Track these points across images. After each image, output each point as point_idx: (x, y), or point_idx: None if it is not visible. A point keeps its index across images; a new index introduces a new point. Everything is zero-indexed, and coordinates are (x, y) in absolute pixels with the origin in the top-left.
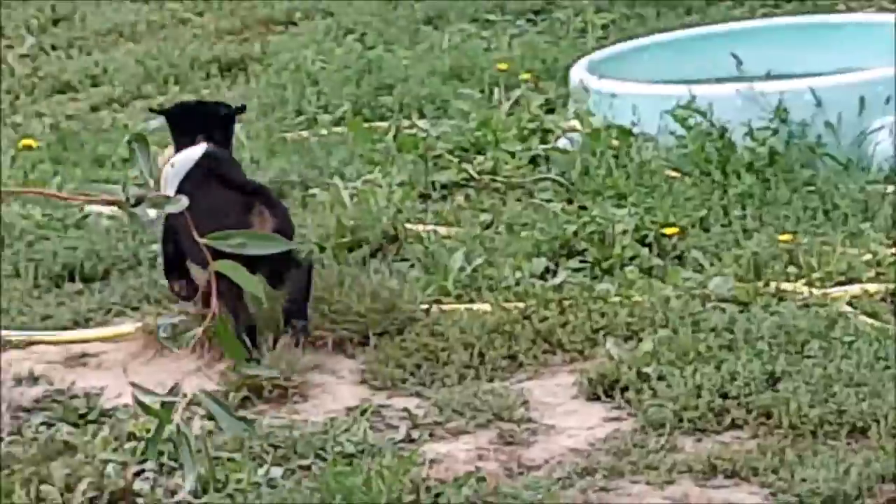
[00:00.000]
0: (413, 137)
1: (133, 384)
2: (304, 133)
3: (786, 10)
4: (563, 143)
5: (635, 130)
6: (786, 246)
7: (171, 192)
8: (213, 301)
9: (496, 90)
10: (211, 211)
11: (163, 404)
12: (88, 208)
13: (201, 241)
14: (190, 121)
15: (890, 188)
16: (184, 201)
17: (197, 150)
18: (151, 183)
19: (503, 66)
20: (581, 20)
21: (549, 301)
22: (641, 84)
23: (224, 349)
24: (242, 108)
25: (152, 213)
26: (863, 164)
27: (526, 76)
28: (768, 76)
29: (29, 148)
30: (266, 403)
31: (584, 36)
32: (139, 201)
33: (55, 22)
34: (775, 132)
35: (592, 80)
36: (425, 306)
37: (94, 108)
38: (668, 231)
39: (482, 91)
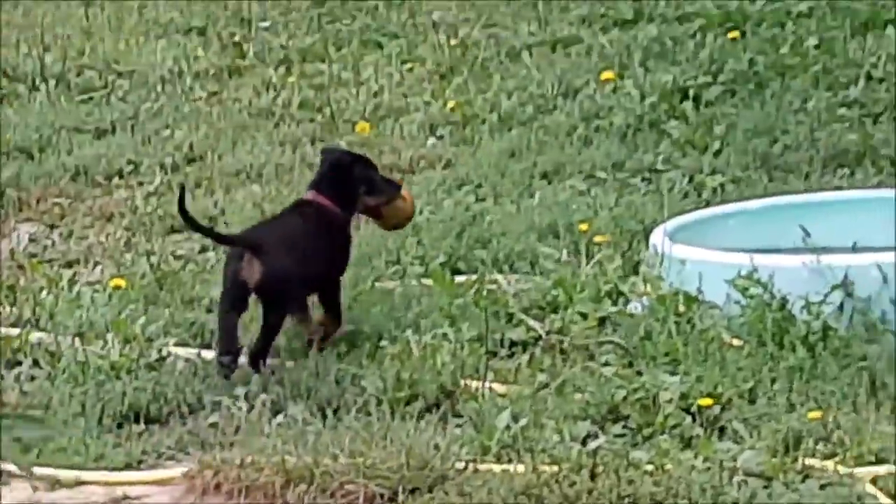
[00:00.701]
0: (492, 294)
1: None
2: (391, 284)
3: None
4: (633, 307)
5: (703, 298)
6: (817, 422)
7: None
8: None
9: (581, 249)
10: None
11: None
12: (167, 349)
13: None
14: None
15: None
16: None
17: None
18: None
19: (584, 226)
20: (692, 182)
21: (581, 466)
22: (709, 251)
23: None
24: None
25: None
26: None
27: (602, 238)
28: (854, 248)
29: (118, 288)
30: None
31: (690, 197)
32: None
33: (189, 161)
34: (840, 306)
35: (666, 245)
36: (461, 465)
37: (203, 250)
38: (707, 402)
39: (571, 249)
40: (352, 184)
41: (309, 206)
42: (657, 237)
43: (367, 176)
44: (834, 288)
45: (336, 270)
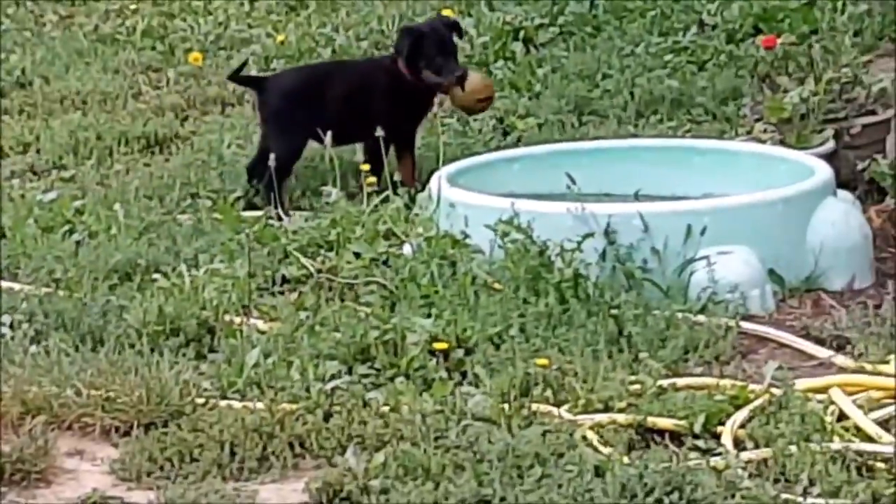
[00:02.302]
0: (273, 230)
1: None
2: (182, 216)
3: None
4: (406, 249)
5: (471, 242)
6: (552, 369)
7: None
8: None
9: (364, 189)
10: None
11: None
12: None
13: None
14: None
15: (700, 318)
16: None
17: None
18: None
19: (365, 166)
20: (503, 123)
21: (318, 405)
22: (475, 195)
23: None
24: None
25: None
26: (684, 292)
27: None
28: (636, 196)
29: None
30: (7, 486)
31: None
32: None
33: (20, 85)
34: (602, 254)
35: (443, 189)
36: (201, 400)
37: (11, 176)
38: (442, 345)
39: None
40: (413, 56)
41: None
42: (438, 180)
43: (428, 53)
44: (587, 236)
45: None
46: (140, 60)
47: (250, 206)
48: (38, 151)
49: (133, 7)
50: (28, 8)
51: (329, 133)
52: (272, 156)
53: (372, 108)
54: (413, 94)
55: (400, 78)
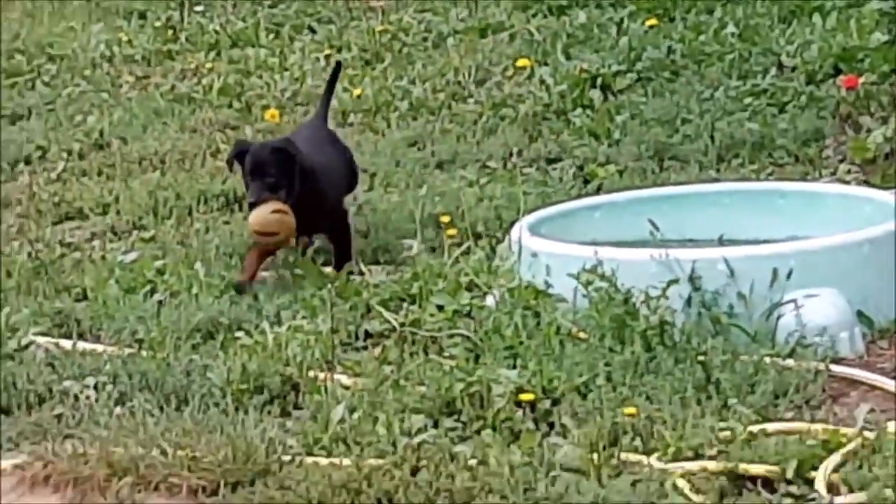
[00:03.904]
0: (355, 284)
1: None
2: (263, 273)
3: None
4: (489, 300)
5: (554, 291)
6: (640, 418)
7: None
8: None
9: (445, 241)
10: None
11: None
12: (28, 338)
13: None
14: None
15: (789, 362)
16: None
17: None
18: None
19: (445, 218)
20: (583, 171)
21: (405, 460)
22: (556, 243)
23: None
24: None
25: None
26: (772, 336)
27: (453, 231)
28: (720, 241)
29: None
30: None
31: (578, 187)
32: None
33: (99, 147)
34: (688, 300)
35: (524, 238)
36: (287, 458)
37: (93, 237)
38: (529, 396)
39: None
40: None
41: None
42: (519, 229)
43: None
44: (671, 282)
45: None
46: (217, 119)
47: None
48: (117, 212)
49: (209, 66)
50: (104, 70)
51: None
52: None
53: None
54: None
55: None
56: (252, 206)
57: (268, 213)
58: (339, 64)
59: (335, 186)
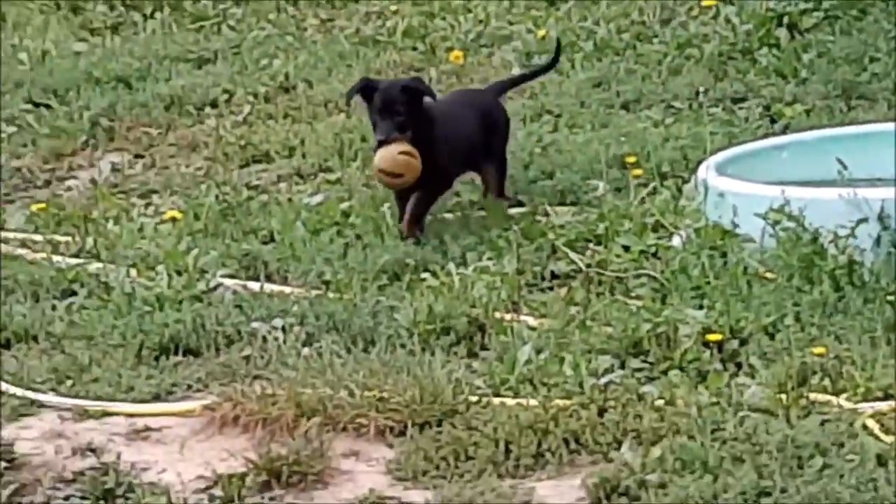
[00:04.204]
0: (540, 225)
1: None
2: (448, 215)
3: None
4: (676, 240)
5: (741, 231)
6: (829, 358)
7: None
8: None
9: (630, 182)
10: None
11: None
12: (216, 280)
13: None
14: None
15: None
16: None
17: None
18: None
19: (631, 158)
20: (770, 111)
21: (592, 400)
22: (744, 183)
23: None
24: None
25: None
26: None
27: (638, 172)
28: None
29: (174, 220)
30: (284, 488)
31: (764, 127)
32: None
33: (284, 90)
34: (876, 240)
35: (710, 178)
36: (474, 398)
37: (279, 179)
38: (716, 336)
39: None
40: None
41: None
42: (705, 170)
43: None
44: (860, 221)
45: None
46: (402, 61)
47: (516, 203)
48: (303, 155)
49: (393, 8)
50: (289, 13)
51: None
52: None
53: None
54: None
55: None
56: (380, 144)
57: (395, 154)
58: (556, 57)
59: (447, 153)
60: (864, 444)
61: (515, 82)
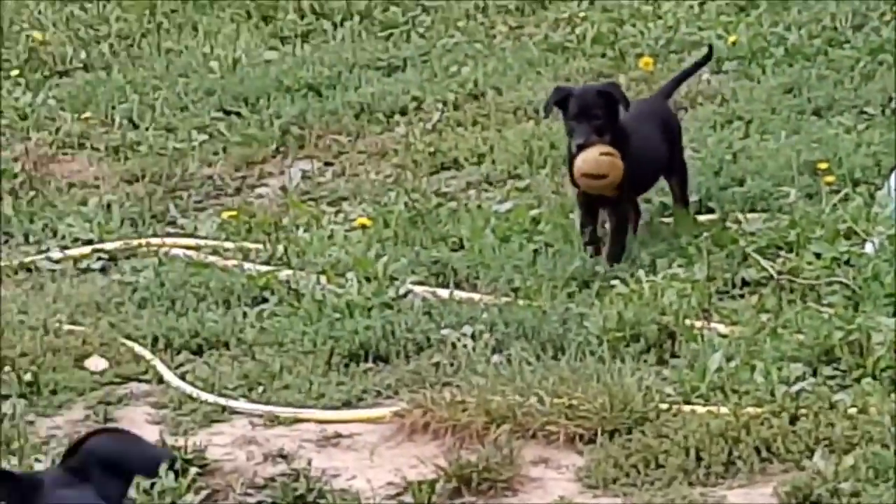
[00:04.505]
0: (730, 232)
1: None
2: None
3: None
4: (868, 247)
5: None
6: None
7: None
8: None
9: (822, 188)
10: None
11: None
12: (406, 287)
13: None
14: None
15: None
16: None
17: None
18: None
19: (823, 165)
20: None
21: (783, 409)
22: None
23: None
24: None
25: None
26: None
27: (831, 178)
28: None
29: (364, 227)
30: (474, 495)
31: None
32: None
33: (474, 97)
34: None
35: None
36: (664, 406)
37: (468, 186)
38: None
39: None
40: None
41: None
42: (893, 177)
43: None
44: None
45: None
46: (591, 68)
47: (705, 210)
48: (492, 162)
49: (582, 15)
50: (478, 20)
51: None
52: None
53: None
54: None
55: None
56: (579, 148)
57: (597, 156)
58: (710, 50)
59: (642, 169)
60: None
61: (678, 82)
